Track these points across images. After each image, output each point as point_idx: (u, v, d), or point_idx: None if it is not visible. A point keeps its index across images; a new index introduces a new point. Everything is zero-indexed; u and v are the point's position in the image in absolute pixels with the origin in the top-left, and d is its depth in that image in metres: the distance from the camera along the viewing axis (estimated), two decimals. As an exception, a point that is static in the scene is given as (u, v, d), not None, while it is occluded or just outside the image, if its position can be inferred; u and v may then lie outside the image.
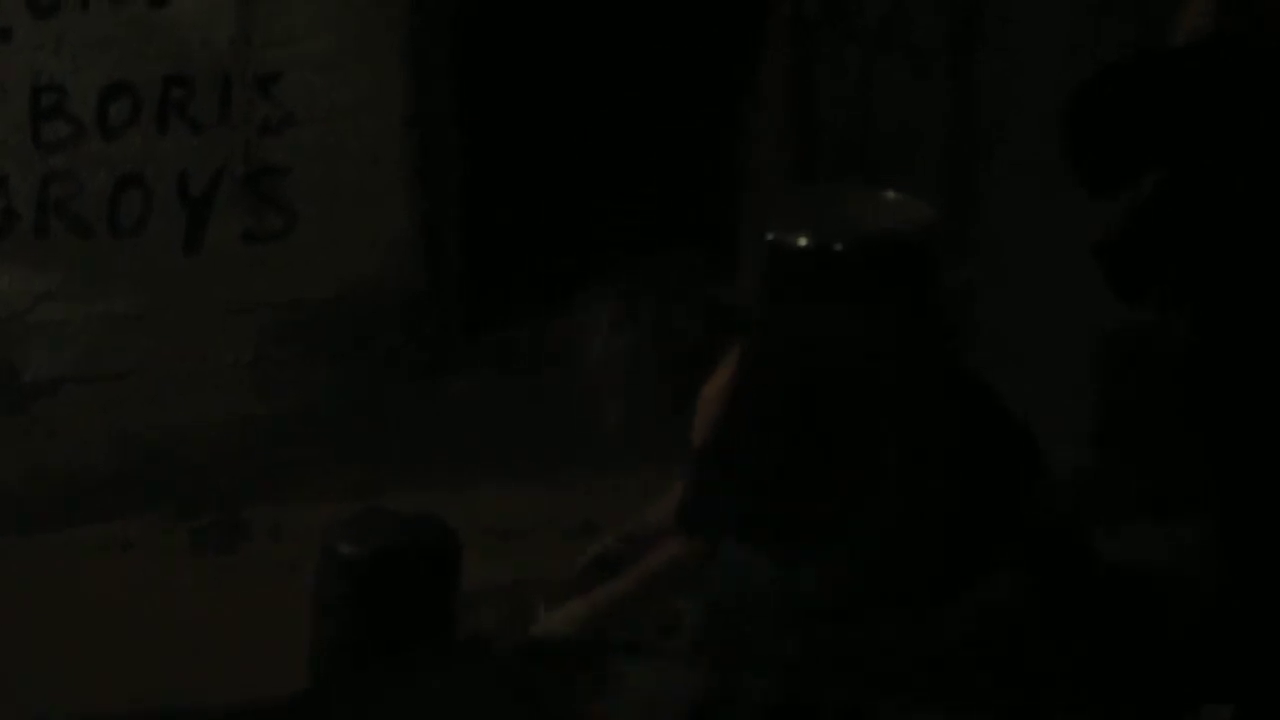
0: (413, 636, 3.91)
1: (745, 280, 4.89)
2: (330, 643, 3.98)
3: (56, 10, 4.74)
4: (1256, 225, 3.72)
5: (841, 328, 4.02)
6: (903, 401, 3.84)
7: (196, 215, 4.94)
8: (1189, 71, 3.80)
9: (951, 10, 5.30)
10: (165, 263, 4.95)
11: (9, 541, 4.84)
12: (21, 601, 4.58)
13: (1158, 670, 3.81)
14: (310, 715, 3.85)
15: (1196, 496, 4.00)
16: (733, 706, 3.62)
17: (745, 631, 3.77)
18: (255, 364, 5.07)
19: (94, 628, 4.48)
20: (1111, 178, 3.80)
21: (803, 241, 4.58)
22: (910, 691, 3.65)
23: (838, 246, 4.56)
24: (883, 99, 5.33)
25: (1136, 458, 4.84)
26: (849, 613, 3.73)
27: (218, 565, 4.83)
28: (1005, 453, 3.88)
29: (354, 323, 5.11)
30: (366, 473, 5.01)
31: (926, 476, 3.77)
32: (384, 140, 5.03)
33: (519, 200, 5.38)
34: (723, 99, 5.46)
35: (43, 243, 4.86)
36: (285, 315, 5.06)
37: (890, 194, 4.86)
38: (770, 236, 4.62)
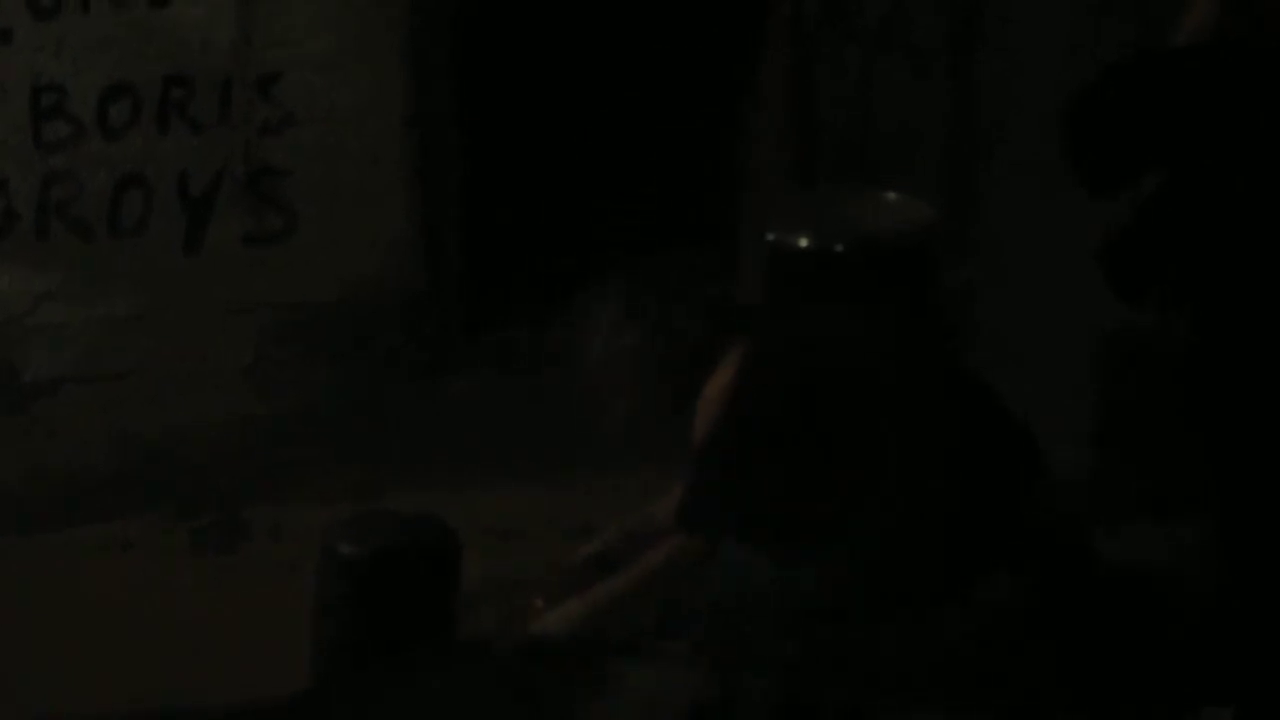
0: (413, 636, 3.91)
1: (745, 280, 4.89)
2: (330, 643, 3.98)
3: (57, 11, 4.74)
4: (1256, 225, 3.72)
5: (841, 328, 4.02)
6: (903, 401, 3.84)
7: (197, 216, 4.94)
8: (1189, 72, 3.81)
9: (951, 10, 5.30)
10: (165, 263, 4.95)
11: (9, 541, 4.84)
12: (21, 601, 4.58)
13: (1158, 670, 3.81)
14: (310, 715, 3.85)
15: (1196, 496, 4.00)
16: (733, 706, 3.62)
17: (745, 631, 3.76)
18: (255, 364, 5.07)
19: (94, 628, 4.48)
20: (1111, 178, 3.80)
21: (803, 242, 4.59)
22: (910, 691, 3.65)
23: (838, 247, 4.56)
24: (883, 99, 5.33)
25: (1136, 458, 4.84)
26: (849, 613, 3.72)
27: (218, 565, 4.83)
28: (1005, 453, 3.88)
29: (354, 323, 5.11)
30: (366, 473, 5.01)
31: (926, 476, 3.77)
32: (384, 140, 5.03)
33: (519, 200, 5.38)
34: (723, 99, 5.46)
35: (43, 243, 4.86)
36: (285, 316, 5.06)
37: (890, 194, 4.86)
38: (771, 237, 4.63)
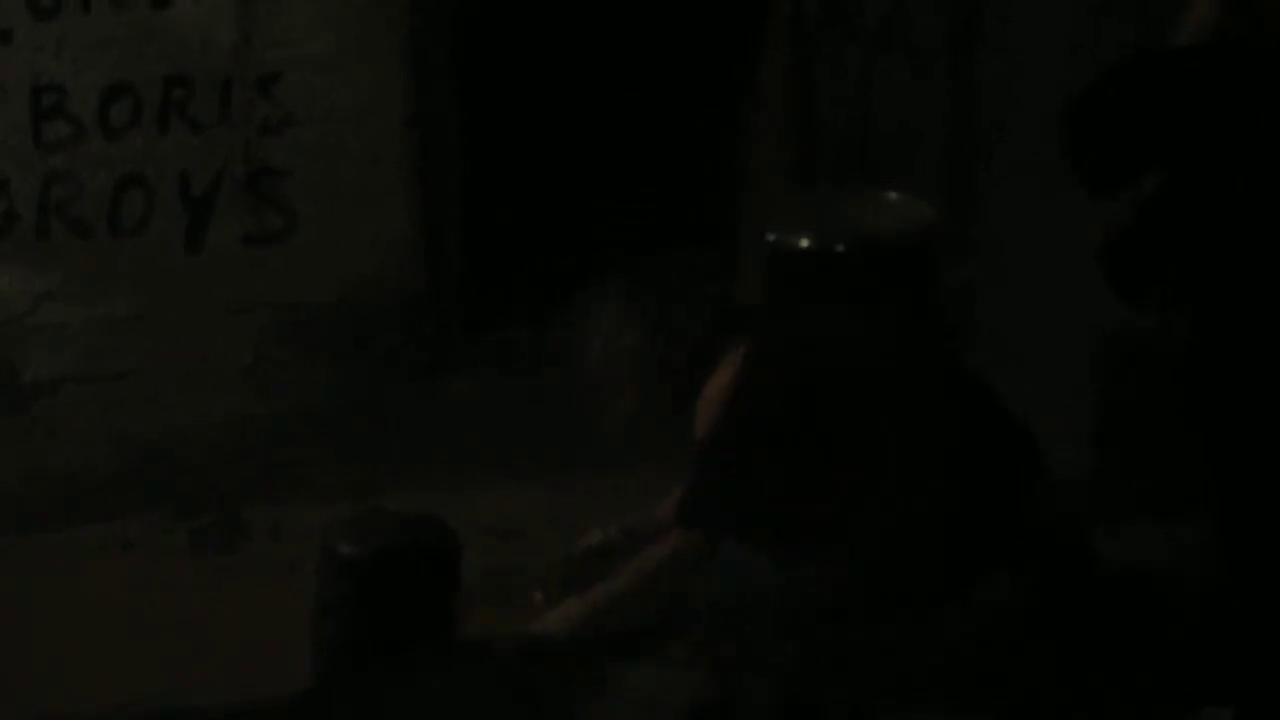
0: (413, 636, 3.91)
1: (745, 280, 4.89)
2: (330, 643, 3.98)
3: (57, 12, 4.74)
4: (1256, 225, 3.72)
5: (841, 328, 4.02)
6: (903, 401, 3.84)
7: (197, 216, 4.94)
8: (1189, 72, 3.81)
9: (951, 10, 5.30)
10: (166, 263, 4.95)
11: (9, 541, 4.84)
12: (21, 601, 4.58)
13: (1158, 670, 3.81)
14: (310, 715, 3.86)
15: (1196, 496, 4.00)
16: (733, 707, 3.63)
17: (745, 631, 3.77)
18: (255, 364, 5.07)
19: (94, 628, 4.48)
20: (1112, 178, 3.80)
21: (804, 242, 4.59)
22: (910, 691, 3.65)
23: (838, 247, 4.57)
24: (883, 99, 5.33)
25: (1136, 458, 4.84)
26: (849, 613, 3.73)
27: (218, 565, 4.83)
28: (1005, 453, 3.88)
29: (354, 323, 5.11)
30: (366, 473, 5.01)
31: (926, 476, 3.78)
32: (384, 140, 5.03)
33: (519, 200, 5.38)
34: (723, 99, 5.46)
35: (43, 243, 4.86)
36: (285, 316, 5.06)
37: (890, 194, 4.87)
38: (771, 237, 4.64)
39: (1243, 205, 3.72)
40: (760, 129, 5.45)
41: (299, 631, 4.02)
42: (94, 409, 4.98)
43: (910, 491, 3.75)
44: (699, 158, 5.50)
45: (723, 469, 3.85)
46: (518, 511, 4.85)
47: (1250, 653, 3.82)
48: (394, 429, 5.13)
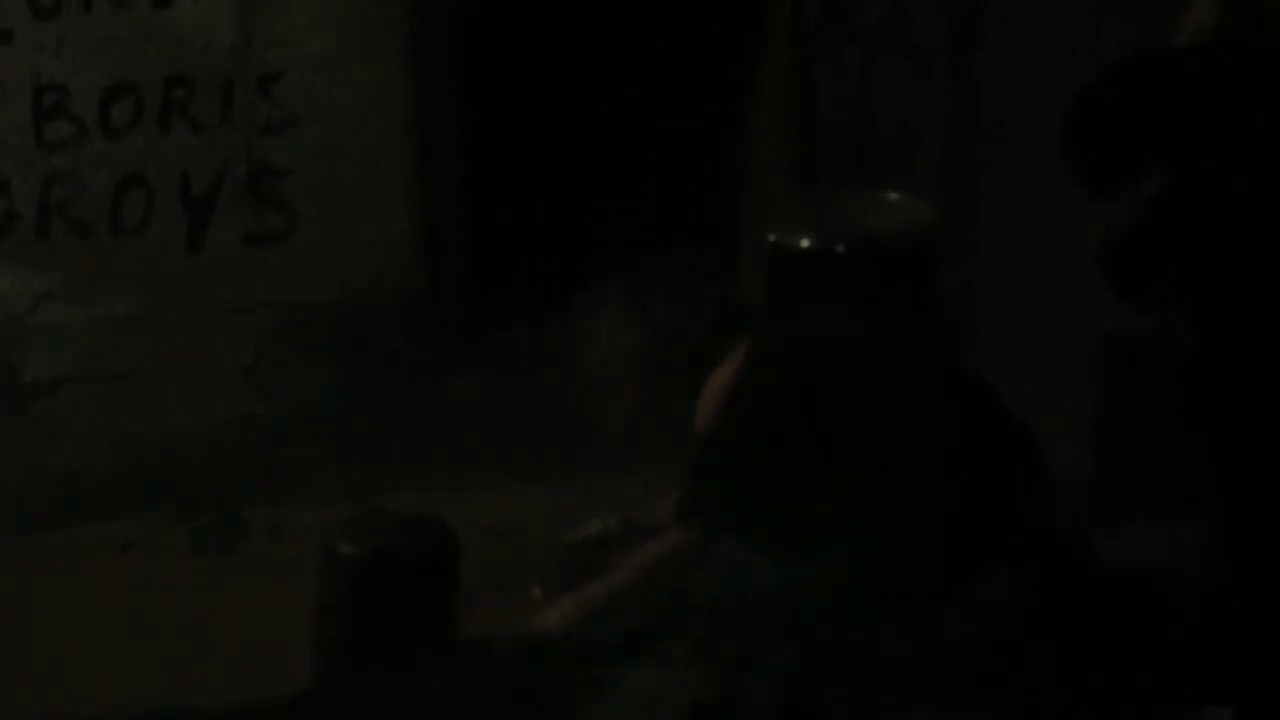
0: (413, 636, 3.91)
1: (745, 280, 4.90)
2: (330, 643, 3.98)
3: (58, 11, 4.74)
4: (1256, 226, 3.72)
5: (841, 328, 4.02)
6: (903, 402, 3.84)
7: (198, 216, 4.94)
8: (1189, 72, 3.81)
9: (951, 10, 5.29)
10: (166, 263, 4.95)
11: (9, 541, 4.84)
12: (21, 601, 4.58)
13: (1158, 670, 3.81)
14: (310, 715, 3.86)
15: (1196, 496, 4.00)
16: (733, 707, 3.63)
17: (745, 631, 3.77)
18: (255, 364, 5.07)
19: (94, 628, 4.48)
20: (1112, 178, 3.80)
21: (804, 242, 4.59)
22: (910, 691, 3.65)
23: (839, 247, 4.57)
24: (883, 99, 5.33)
25: (1136, 458, 4.84)
26: (849, 613, 3.73)
27: (218, 565, 4.83)
28: (1005, 453, 3.88)
29: (354, 323, 5.11)
30: (366, 473, 5.01)
31: (926, 476, 3.77)
32: (384, 141, 5.03)
33: (519, 200, 5.38)
34: (723, 99, 5.46)
35: (44, 243, 4.86)
36: (285, 316, 5.06)
37: (890, 194, 4.87)
38: (772, 237, 4.64)
39: (1243, 205, 3.72)
40: (760, 129, 5.45)
41: (299, 631, 4.02)
42: (94, 409, 4.98)
43: (910, 491, 3.75)
44: (699, 158, 5.50)
45: (722, 468, 3.85)
46: (518, 511, 4.85)
47: (1250, 653, 3.82)
48: (394, 429, 5.13)
